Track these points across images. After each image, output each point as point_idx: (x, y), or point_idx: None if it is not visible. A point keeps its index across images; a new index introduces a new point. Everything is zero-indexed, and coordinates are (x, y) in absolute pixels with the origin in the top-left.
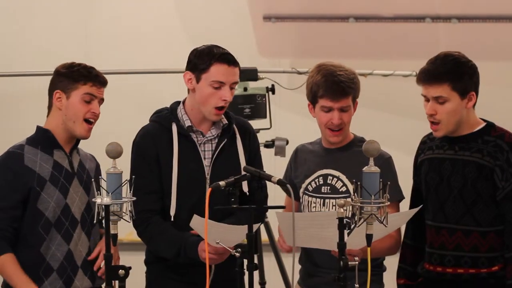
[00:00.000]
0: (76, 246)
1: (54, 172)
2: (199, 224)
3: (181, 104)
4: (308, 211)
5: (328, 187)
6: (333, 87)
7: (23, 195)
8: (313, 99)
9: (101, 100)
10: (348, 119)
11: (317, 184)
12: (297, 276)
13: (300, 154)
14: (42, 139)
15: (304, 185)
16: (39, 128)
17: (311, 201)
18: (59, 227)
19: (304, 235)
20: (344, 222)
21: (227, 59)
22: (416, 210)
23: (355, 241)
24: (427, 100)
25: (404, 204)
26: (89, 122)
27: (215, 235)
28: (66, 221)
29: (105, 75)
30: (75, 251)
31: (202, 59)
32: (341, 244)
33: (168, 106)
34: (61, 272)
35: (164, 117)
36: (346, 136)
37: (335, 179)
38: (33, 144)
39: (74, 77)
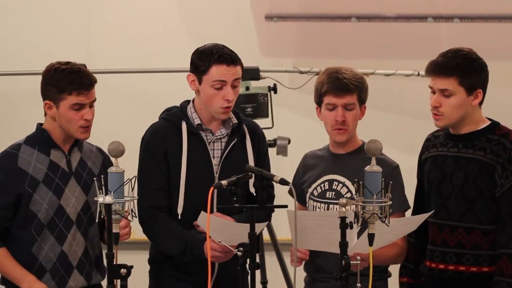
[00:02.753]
0: (71, 247)
1: (49, 173)
2: (206, 221)
3: (191, 103)
4: None
5: (333, 193)
6: (336, 82)
7: (14, 197)
8: (318, 98)
9: (93, 101)
10: (353, 120)
11: (323, 189)
12: (301, 284)
13: (309, 159)
14: (40, 138)
15: (310, 190)
16: (38, 127)
17: (315, 206)
18: (52, 228)
19: (313, 236)
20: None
21: (226, 59)
22: (426, 215)
23: (363, 244)
24: (433, 92)
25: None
26: (84, 126)
27: (221, 233)
28: (59, 222)
29: (106, 74)
30: (69, 252)
31: (202, 61)
32: (343, 243)
33: (174, 105)
34: (54, 273)
35: (174, 115)
36: (352, 140)
37: (341, 185)
38: (31, 144)
39: (59, 86)
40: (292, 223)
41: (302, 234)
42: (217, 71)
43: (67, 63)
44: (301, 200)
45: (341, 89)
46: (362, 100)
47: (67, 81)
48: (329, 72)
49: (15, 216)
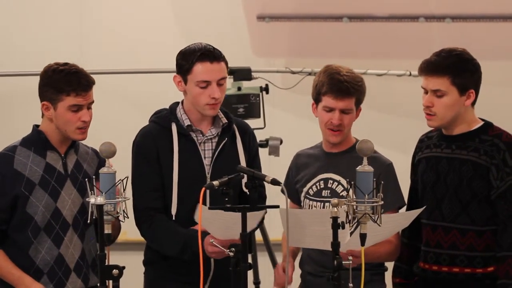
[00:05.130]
0: (68, 249)
1: (45, 175)
2: (205, 217)
3: (180, 104)
4: None
5: (329, 191)
6: (338, 85)
7: (11, 199)
8: (317, 97)
9: (91, 103)
10: (349, 122)
11: (318, 188)
12: (296, 281)
13: (301, 158)
14: (36, 140)
15: (305, 189)
16: (34, 128)
17: (311, 205)
18: (49, 231)
19: (306, 234)
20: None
21: (209, 56)
22: (419, 211)
23: (356, 241)
24: (426, 92)
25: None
26: (82, 127)
27: (217, 226)
28: (56, 225)
29: (99, 75)
30: (67, 255)
31: (185, 60)
32: (335, 243)
33: (166, 105)
34: (52, 276)
35: (164, 117)
36: (346, 138)
37: (336, 183)
38: (27, 145)
39: (57, 87)
40: (285, 222)
41: (295, 232)
42: (200, 70)
43: (65, 64)
44: (295, 199)
45: (342, 92)
46: (359, 103)
47: (65, 82)
48: (330, 72)
49: (12, 218)
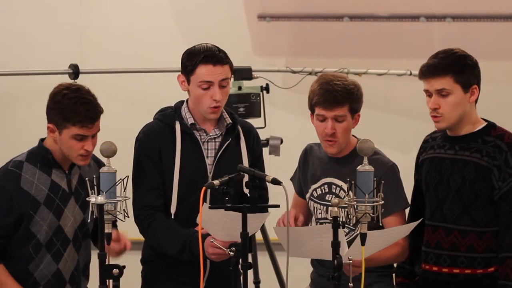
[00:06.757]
0: (66, 263)
1: (50, 194)
2: (206, 217)
3: (185, 103)
4: (315, 217)
5: (333, 196)
6: (326, 95)
7: (15, 218)
8: (311, 107)
9: (97, 133)
10: (344, 131)
11: (322, 191)
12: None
13: (309, 156)
14: (42, 157)
15: (310, 190)
16: (40, 145)
17: (316, 207)
18: (50, 247)
19: (304, 247)
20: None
21: (212, 59)
22: (416, 223)
23: (356, 252)
24: (429, 95)
25: None
26: (84, 155)
27: (221, 226)
28: (57, 242)
29: (99, 74)
30: (64, 269)
31: (189, 61)
32: (335, 243)
33: (167, 104)
34: (47, 287)
35: (168, 116)
36: (344, 147)
37: (338, 189)
38: (33, 162)
39: (63, 115)
40: (282, 239)
41: (294, 244)
42: (202, 71)
43: (77, 89)
44: (300, 193)
45: (331, 102)
46: (354, 110)
47: (72, 111)
48: (321, 82)
49: (14, 234)
